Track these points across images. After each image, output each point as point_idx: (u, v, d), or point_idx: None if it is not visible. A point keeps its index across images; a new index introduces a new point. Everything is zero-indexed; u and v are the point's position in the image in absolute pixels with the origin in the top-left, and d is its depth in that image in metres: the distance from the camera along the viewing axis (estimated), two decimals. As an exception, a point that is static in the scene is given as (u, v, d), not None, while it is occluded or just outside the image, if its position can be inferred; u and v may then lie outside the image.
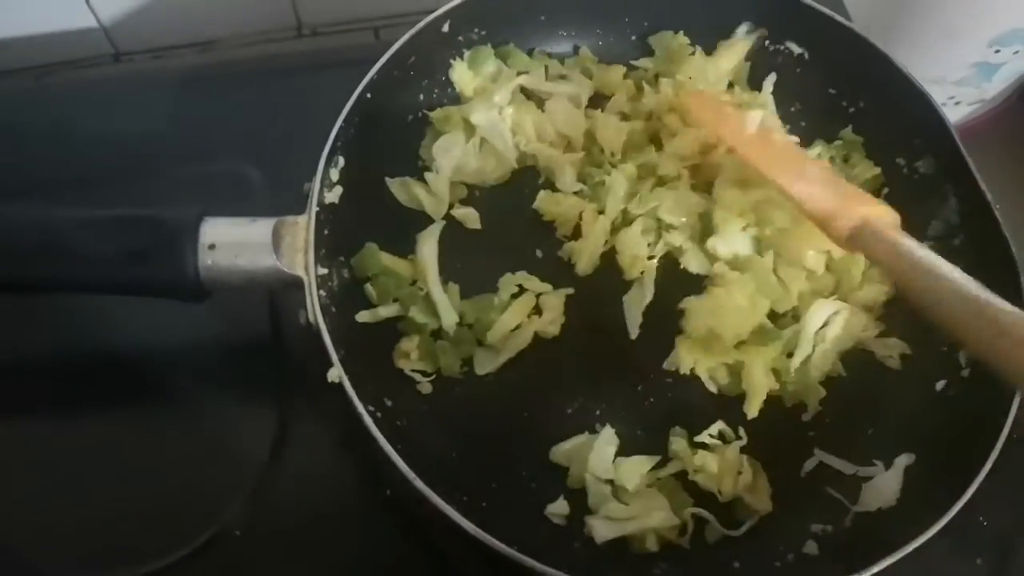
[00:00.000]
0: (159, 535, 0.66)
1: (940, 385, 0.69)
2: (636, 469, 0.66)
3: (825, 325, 0.71)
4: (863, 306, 0.73)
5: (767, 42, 0.82)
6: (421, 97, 0.78)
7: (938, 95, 0.76)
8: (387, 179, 0.74)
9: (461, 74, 0.78)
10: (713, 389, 0.70)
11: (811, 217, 0.66)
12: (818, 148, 0.79)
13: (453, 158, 0.75)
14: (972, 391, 0.67)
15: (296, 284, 0.62)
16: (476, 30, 0.78)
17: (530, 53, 0.82)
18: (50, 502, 0.67)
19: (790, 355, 0.70)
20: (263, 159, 0.80)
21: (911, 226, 0.74)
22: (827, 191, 0.66)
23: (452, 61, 0.78)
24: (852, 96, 0.80)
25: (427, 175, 0.74)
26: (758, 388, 0.68)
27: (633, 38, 0.84)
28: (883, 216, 0.64)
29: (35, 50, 0.90)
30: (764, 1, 0.80)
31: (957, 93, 0.87)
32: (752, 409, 0.68)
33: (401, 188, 0.75)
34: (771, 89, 0.82)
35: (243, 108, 0.85)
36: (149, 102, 0.85)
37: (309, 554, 0.67)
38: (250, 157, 0.80)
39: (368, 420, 0.59)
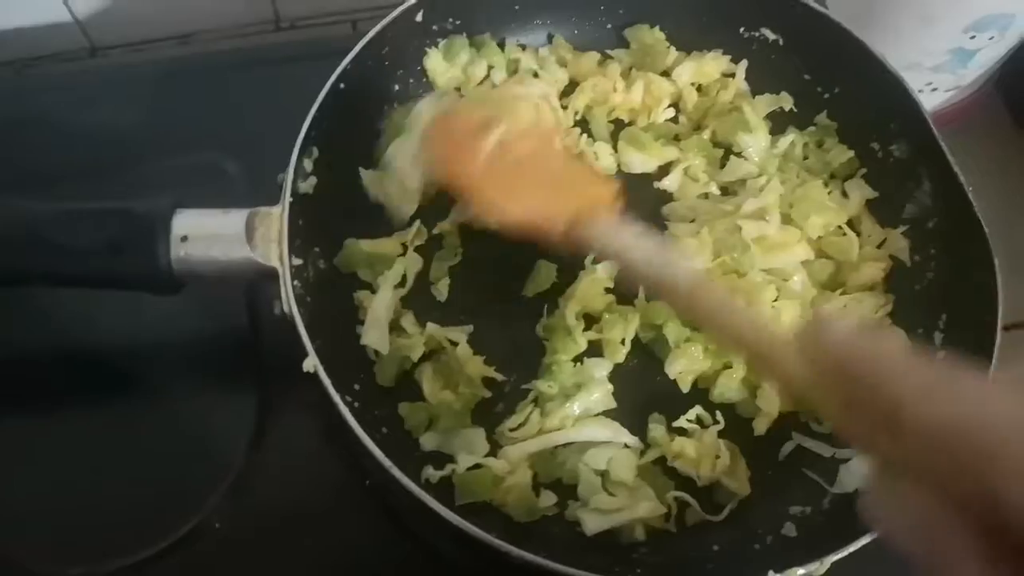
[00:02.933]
0: (139, 528, 0.66)
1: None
2: (629, 461, 0.66)
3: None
4: (865, 287, 0.73)
5: (742, 29, 0.82)
6: (396, 87, 0.77)
7: (914, 81, 0.77)
8: (361, 170, 0.73)
9: (435, 64, 0.78)
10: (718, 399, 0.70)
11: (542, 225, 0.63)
12: (791, 135, 0.79)
13: (409, 160, 0.71)
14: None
15: (271, 275, 0.62)
16: (450, 19, 0.78)
17: (503, 44, 0.82)
18: (28, 496, 0.67)
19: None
20: (241, 151, 0.80)
21: (887, 209, 0.76)
22: (557, 195, 0.63)
23: (427, 50, 0.78)
24: (827, 82, 0.80)
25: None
26: (773, 409, 0.68)
27: (609, 27, 0.84)
28: (598, 198, 0.62)
29: (14, 44, 0.90)
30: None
31: (934, 79, 0.87)
32: (761, 427, 0.68)
33: (374, 181, 0.73)
34: (743, 75, 0.82)
35: (221, 101, 0.85)
36: (127, 96, 0.84)
37: (290, 545, 0.67)
38: (228, 149, 0.80)
39: (344, 409, 0.59)
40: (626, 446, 0.67)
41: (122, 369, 0.73)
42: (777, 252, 0.72)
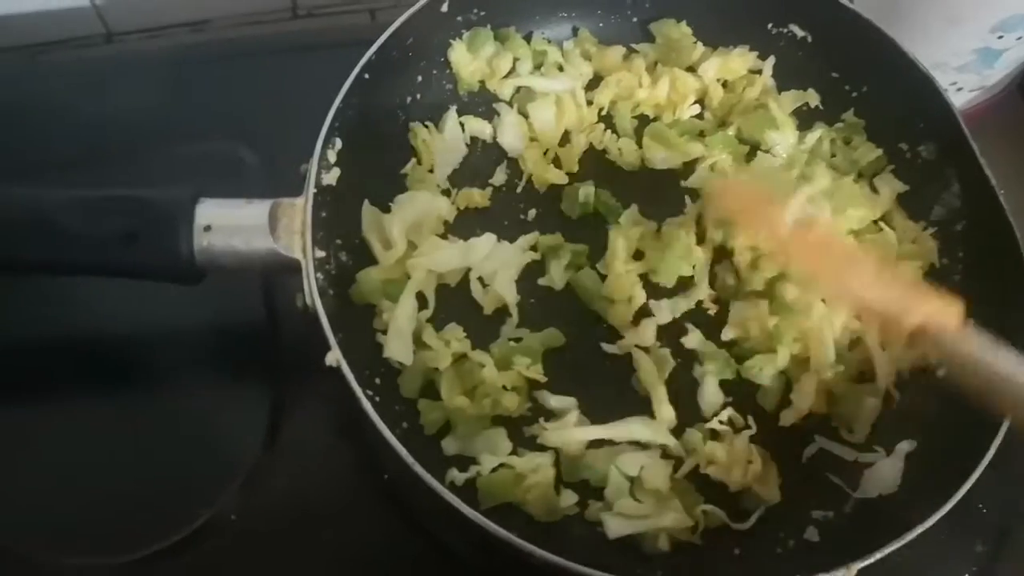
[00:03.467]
0: (154, 520, 0.65)
1: (942, 372, 0.69)
2: (663, 471, 0.65)
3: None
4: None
5: (770, 25, 0.81)
6: (419, 79, 0.76)
7: (939, 81, 0.76)
8: (365, 204, 0.71)
9: (460, 56, 0.77)
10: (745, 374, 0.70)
11: (870, 316, 0.64)
12: (819, 131, 0.78)
13: (410, 213, 0.72)
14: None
15: (293, 267, 0.61)
16: (475, 11, 0.77)
17: (529, 37, 0.81)
18: (43, 488, 0.67)
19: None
20: (257, 140, 0.79)
21: (915, 211, 0.75)
22: (885, 289, 0.60)
23: (451, 42, 0.77)
24: (855, 80, 0.79)
25: (385, 217, 0.71)
26: (804, 406, 0.68)
27: (634, 20, 0.83)
28: (944, 312, 0.58)
29: (30, 29, 0.89)
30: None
31: (959, 79, 0.86)
32: (787, 420, 0.68)
33: (371, 220, 0.71)
34: (770, 72, 0.81)
35: (237, 89, 0.84)
36: (142, 82, 0.83)
37: (305, 539, 0.66)
38: (244, 138, 0.79)
39: (366, 404, 0.58)
40: (664, 455, 0.66)
41: (135, 361, 0.72)
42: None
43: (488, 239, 0.72)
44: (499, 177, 0.77)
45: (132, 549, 0.64)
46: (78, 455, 0.68)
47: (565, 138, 0.78)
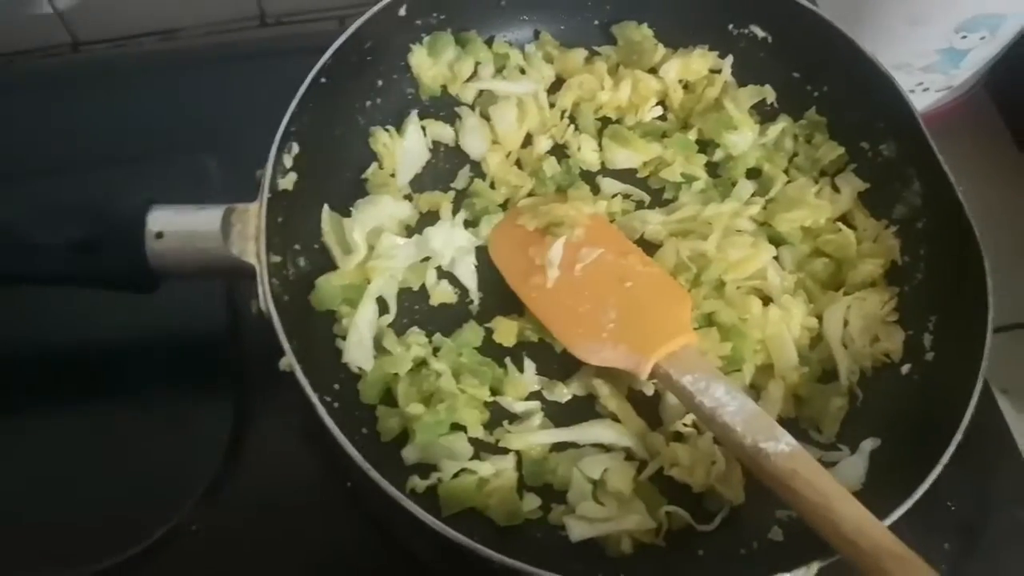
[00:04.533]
0: (114, 531, 0.64)
1: (905, 369, 0.69)
2: (626, 473, 0.65)
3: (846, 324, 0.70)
4: (867, 284, 0.72)
5: (731, 26, 0.81)
6: (379, 83, 0.76)
7: (905, 81, 0.76)
8: (325, 208, 0.71)
9: (420, 60, 0.77)
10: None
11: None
12: (783, 123, 0.78)
13: (371, 217, 0.71)
14: (936, 375, 0.67)
15: (248, 273, 0.61)
16: (435, 14, 0.77)
17: (491, 40, 0.81)
18: (9, 504, 0.65)
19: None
20: (224, 149, 0.78)
21: (875, 209, 0.75)
22: (618, 349, 0.65)
23: (411, 46, 0.77)
24: (816, 79, 0.79)
25: (346, 221, 0.71)
26: (774, 412, 0.67)
27: (595, 23, 0.83)
28: (677, 350, 0.64)
29: None
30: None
31: (925, 79, 0.86)
32: None
33: (331, 225, 0.71)
34: (730, 71, 0.81)
35: (204, 98, 0.83)
36: (108, 91, 0.83)
37: (269, 549, 0.66)
38: (211, 147, 0.79)
39: (322, 410, 0.57)
40: (627, 457, 0.66)
41: (93, 371, 0.71)
42: (745, 264, 0.71)
43: (442, 226, 0.72)
44: (461, 181, 0.76)
45: (91, 561, 0.63)
46: (35, 466, 0.67)
47: (527, 141, 0.78)
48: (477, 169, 0.77)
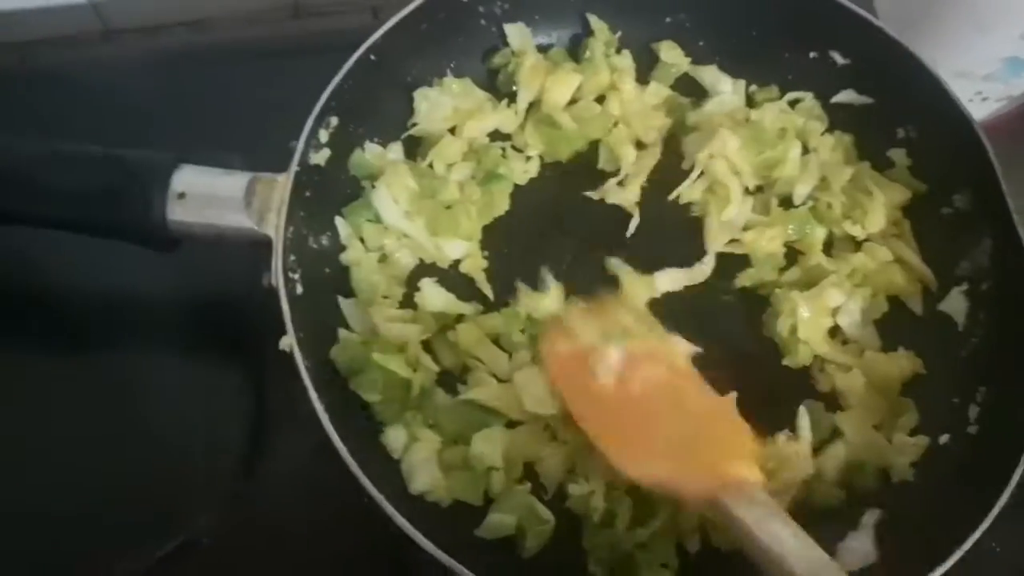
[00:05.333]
0: (123, 543, 0.63)
1: (944, 439, 0.64)
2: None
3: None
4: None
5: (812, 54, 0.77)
6: (426, 66, 0.73)
7: (965, 90, 0.73)
8: (338, 219, 0.68)
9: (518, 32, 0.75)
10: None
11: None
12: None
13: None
14: (977, 451, 0.62)
15: (265, 244, 0.59)
16: (500, 2, 0.74)
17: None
18: (4, 509, 0.64)
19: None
20: (250, 144, 0.72)
21: (939, 263, 0.70)
22: (675, 466, 0.59)
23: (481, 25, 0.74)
24: (898, 120, 0.74)
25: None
26: None
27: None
28: (739, 486, 0.57)
29: (25, 25, 0.85)
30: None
31: (984, 88, 0.82)
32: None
33: (351, 222, 0.69)
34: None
35: (232, 90, 0.80)
36: (136, 81, 0.80)
37: (282, 567, 0.64)
38: (236, 141, 0.73)
39: (314, 395, 0.56)
40: None
41: (107, 370, 0.69)
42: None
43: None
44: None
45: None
46: (42, 465, 0.65)
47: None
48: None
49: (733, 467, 0.57)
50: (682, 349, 0.65)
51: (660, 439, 0.60)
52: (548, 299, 0.68)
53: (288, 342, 0.56)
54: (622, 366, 0.62)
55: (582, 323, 0.65)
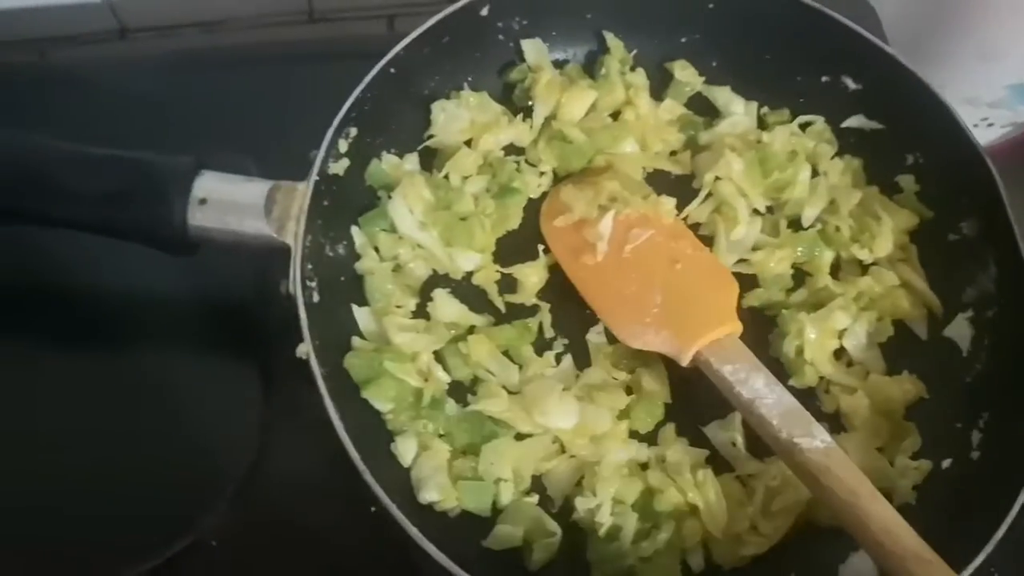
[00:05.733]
0: (132, 541, 0.63)
1: (946, 463, 0.65)
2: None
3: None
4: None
5: (824, 78, 0.77)
6: (444, 80, 0.74)
7: (970, 116, 0.74)
8: (354, 229, 0.69)
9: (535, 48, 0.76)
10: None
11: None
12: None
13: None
14: (978, 477, 0.63)
15: (283, 252, 0.60)
16: (518, 18, 0.75)
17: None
18: (13, 506, 0.64)
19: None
20: (262, 148, 0.74)
21: (945, 289, 0.71)
22: (660, 334, 0.66)
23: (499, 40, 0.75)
24: (906, 146, 0.75)
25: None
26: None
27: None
28: (722, 342, 0.65)
29: (40, 23, 0.87)
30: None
31: (991, 115, 0.84)
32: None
33: (366, 232, 0.69)
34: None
35: (246, 94, 0.81)
36: (150, 81, 0.81)
37: (288, 570, 0.64)
38: (248, 147, 0.74)
39: (335, 416, 0.56)
40: None
41: (116, 368, 0.70)
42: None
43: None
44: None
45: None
46: (55, 472, 0.65)
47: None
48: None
49: (718, 322, 0.65)
50: (669, 207, 0.72)
51: (652, 302, 0.67)
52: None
53: (305, 349, 0.57)
54: (614, 233, 0.69)
55: (575, 196, 0.72)
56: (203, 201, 0.59)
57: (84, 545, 0.63)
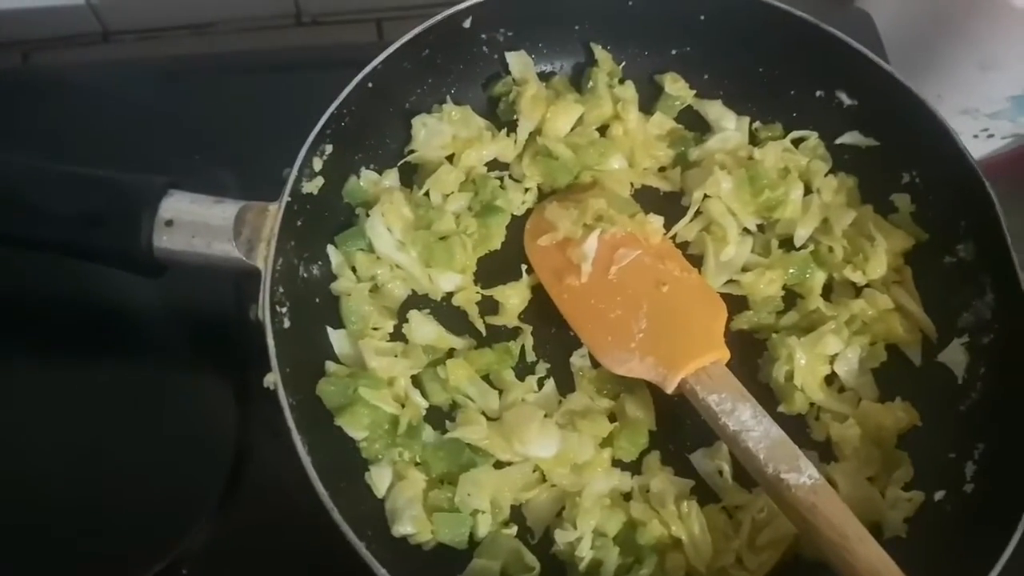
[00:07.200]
0: (105, 565, 0.62)
1: (939, 495, 0.63)
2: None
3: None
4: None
5: (818, 92, 0.75)
6: (425, 93, 0.72)
7: (970, 127, 0.73)
8: (330, 248, 0.67)
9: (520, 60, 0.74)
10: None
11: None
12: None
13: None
14: (972, 511, 0.61)
15: (254, 275, 0.58)
16: (502, 30, 0.73)
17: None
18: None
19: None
20: (245, 155, 0.73)
21: (940, 313, 0.69)
22: (645, 361, 0.64)
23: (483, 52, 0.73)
24: (904, 165, 0.72)
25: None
26: None
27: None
28: (708, 370, 0.62)
29: (23, 25, 0.85)
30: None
31: (991, 126, 0.82)
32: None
33: (343, 251, 0.67)
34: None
35: (230, 99, 0.79)
36: (133, 84, 0.79)
37: None
38: (231, 151, 0.74)
39: (303, 451, 0.54)
40: None
41: (102, 375, 0.69)
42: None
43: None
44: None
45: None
46: (25, 491, 0.64)
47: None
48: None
49: (704, 349, 0.63)
50: (657, 227, 0.70)
51: (638, 327, 0.65)
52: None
53: (272, 379, 0.55)
54: (599, 254, 0.67)
55: (560, 215, 0.70)
56: (169, 223, 0.57)
57: (60, 563, 0.62)
